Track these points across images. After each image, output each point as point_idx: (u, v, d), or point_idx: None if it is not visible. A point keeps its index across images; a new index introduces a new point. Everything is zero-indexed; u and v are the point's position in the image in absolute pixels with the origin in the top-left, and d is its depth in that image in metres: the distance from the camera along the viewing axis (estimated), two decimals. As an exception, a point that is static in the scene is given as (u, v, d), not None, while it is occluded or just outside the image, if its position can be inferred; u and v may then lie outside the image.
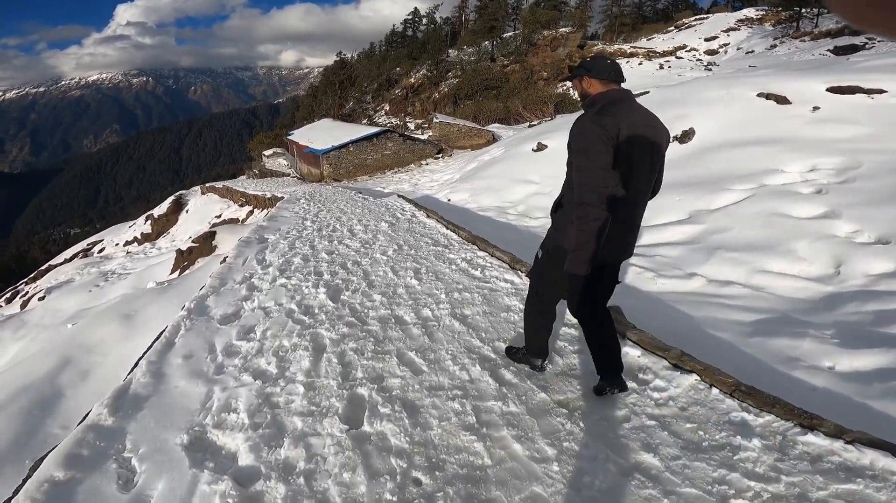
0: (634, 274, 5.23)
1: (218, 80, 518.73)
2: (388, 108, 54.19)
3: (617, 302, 3.00)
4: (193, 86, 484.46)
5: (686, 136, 10.14)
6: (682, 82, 14.55)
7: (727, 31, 52.30)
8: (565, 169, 2.17)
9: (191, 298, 4.38)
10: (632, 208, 2.14)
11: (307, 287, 4.44)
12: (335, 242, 6.22)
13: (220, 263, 5.87)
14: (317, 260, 5.40)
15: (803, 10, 44.26)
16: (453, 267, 4.87)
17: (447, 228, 6.68)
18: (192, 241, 13.25)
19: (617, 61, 2.20)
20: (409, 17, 63.87)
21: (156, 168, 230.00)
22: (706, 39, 51.95)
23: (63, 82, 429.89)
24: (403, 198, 10.27)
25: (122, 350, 6.08)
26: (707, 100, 11.49)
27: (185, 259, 12.75)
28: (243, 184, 22.65)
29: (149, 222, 26.33)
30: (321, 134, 21.88)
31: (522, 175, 10.97)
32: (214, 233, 12.98)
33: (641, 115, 2.10)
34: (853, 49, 38.32)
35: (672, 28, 57.90)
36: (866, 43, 38.39)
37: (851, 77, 10.74)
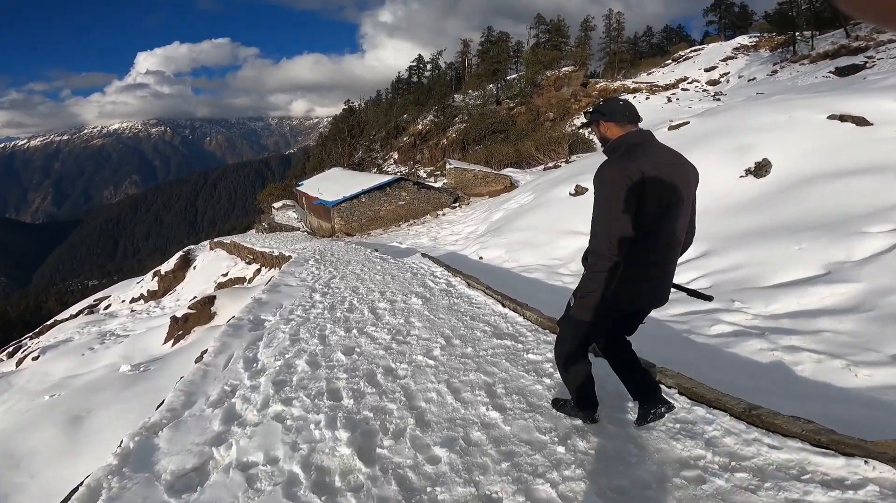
0: (812, 364, 3.51)
1: (232, 130, 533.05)
2: (396, 157, 54.00)
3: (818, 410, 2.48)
4: (209, 136, 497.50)
5: (761, 168, 8.51)
6: (727, 108, 13.10)
7: (725, 60, 52.00)
8: None
9: (135, 428, 2.70)
10: (662, 253, 2.04)
11: (317, 425, 2.68)
12: (354, 332, 4.47)
13: (196, 362, 4.24)
14: (330, 364, 3.64)
15: (797, 34, 43.90)
16: (546, 381, 3.07)
17: (504, 305, 4.97)
18: (189, 307, 11.83)
19: (630, 101, 2.12)
20: (414, 63, 64.90)
21: (172, 220, 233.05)
22: (706, 70, 51.59)
23: (86, 130, 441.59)
24: (429, 257, 8.66)
25: (57, 470, 4.47)
26: (768, 126, 9.96)
27: (179, 327, 11.33)
28: (252, 239, 21.35)
29: (156, 279, 25.03)
30: (331, 184, 20.63)
31: (564, 224, 9.36)
32: (214, 297, 11.55)
33: (664, 155, 2.03)
34: (854, 69, 37.38)
35: (670, 61, 57.95)
36: (866, 62, 37.50)
37: None
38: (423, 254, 8.97)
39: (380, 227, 18.60)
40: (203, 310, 11.49)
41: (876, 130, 8.78)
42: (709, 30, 63.90)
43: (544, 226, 9.60)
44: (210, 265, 22.02)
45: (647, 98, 41.71)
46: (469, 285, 5.92)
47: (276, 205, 28.59)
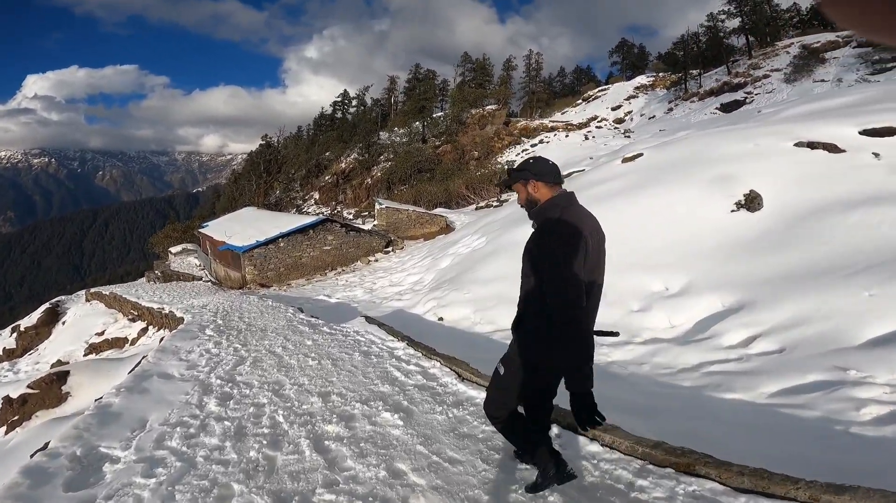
0: None
1: (130, 164, 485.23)
2: (317, 197, 51.07)
3: None
4: (102, 170, 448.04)
5: (752, 201, 7.57)
6: (673, 140, 12.67)
7: (628, 98, 56.38)
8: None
9: None
10: (591, 312, 2.02)
11: None
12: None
13: None
14: None
15: (687, 72, 48.90)
16: None
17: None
18: (30, 385, 8.81)
19: (555, 163, 2.11)
20: (339, 98, 63.15)
21: (53, 264, 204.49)
22: (612, 109, 55.48)
23: None
24: (375, 322, 6.56)
25: None
26: (738, 155, 9.30)
27: (14, 411, 8.63)
28: (140, 290, 17.56)
29: (14, 335, 20.14)
30: (243, 226, 17.57)
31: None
32: (67, 374, 8.65)
33: (591, 217, 2.04)
34: (737, 104, 41.64)
35: (580, 101, 61.84)
36: (746, 98, 42.20)
37: (867, 119, 9.39)
38: (367, 318, 6.81)
39: (302, 276, 15.84)
40: (50, 389, 8.72)
41: (853, 157, 8.34)
42: (612, 70, 69.51)
43: (516, 275, 7.92)
44: (83, 321, 17.74)
45: (567, 136, 43.38)
46: (462, 378, 3.91)
47: (175, 249, 24.41)
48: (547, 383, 2.15)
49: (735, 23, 47.65)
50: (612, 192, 9.98)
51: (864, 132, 9.18)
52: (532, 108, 61.44)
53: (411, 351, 4.90)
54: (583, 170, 15.24)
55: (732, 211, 7.60)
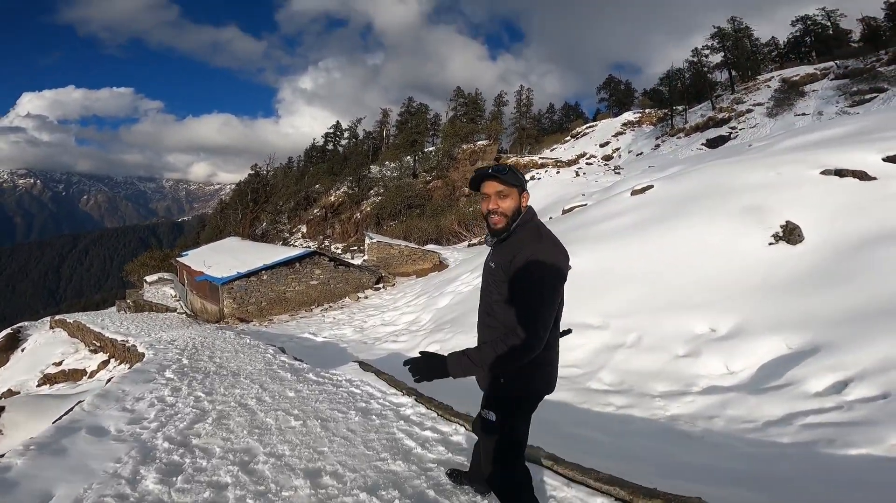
0: None
1: (116, 189, 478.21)
2: (305, 230, 50.13)
3: None
4: (87, 194, 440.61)
5: (791, 233, 6.83)
6: (690, 170, 12.14)
7: (616, 135, 57.23)
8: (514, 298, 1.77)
9: None
10: (556, 341, 1.98)
11: None
12: None
13: None
14: None
15: (673, 108, 49.99)
16: None
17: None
18: None
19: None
20: (331, 130, 63.22)
21: (28, 288, 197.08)
22: (601, 145, 56.25)
23: None
24: (372, 369, 5.54)
25: None
26: (763, 184, 8.69)
27: None
28: (108, 319, 16.13)
29: None
30: (224, 256, 16.36)
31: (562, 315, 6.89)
32: (1, 410, 7.40)
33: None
34: (722, 140, 42.08)
35: (569, 138, 62.75)
36: (731, 133, 42.86)
37: (888, 146, 8.94)
38: (362, 364, 5.75)
39: (285, 311, 14.58)
40: (-24, 429, 7.23)
41: (885, 185, 7.78)
42: (600, 107, 71.19)
43: None
44: (42, 349, 16.26)
45: (558, 172, 43.48)
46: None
47: (150, 278, 22.94)
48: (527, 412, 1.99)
49: (718, 58, 49.24)
50: (626, 226, 9.25)
51: (888, 159, 8.69)
52: (522, 145, 62.15)
53: (422, 409, 3.86)
54: (584, 204, 14.66)
55: (770, 244, 6.86)
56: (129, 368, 6.16)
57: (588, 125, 64.82)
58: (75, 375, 12.58)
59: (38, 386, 12.77)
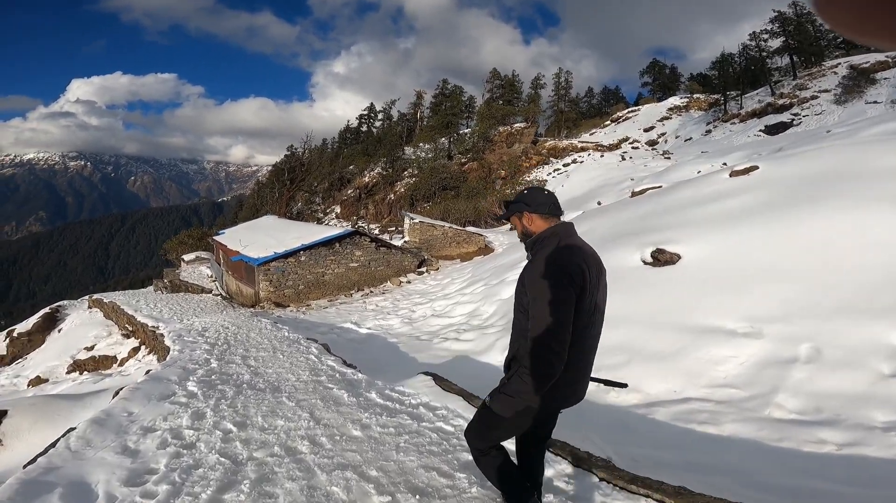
0: None
1: (161, 171, 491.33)
2: (339, 211, 49.43)
3: None
4: (134, 175, 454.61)
5: None
6: (789, 154, 10.18)
7: (661, 120, 53.76)
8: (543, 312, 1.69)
9: None
10: (588, 354, 1.86)
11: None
12: None
13: None
14: None
15: (727, 93, 46.34)
16: None
17: None
18: None
19: (553, 193, 1.95)
20: (365, 112, 61.96)
21: (78, 265, 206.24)
22: (645, 130, 52.96)
23: None
24: (456, 390, 4.15)
25: None
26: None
27: None
28: (144, 299, 15.47)
29: (7, 340, 18.24)
30: (261, 235, 15.33)
31: (679, 316, 5.28)
32: (3, 414, 6.18)
33: (591, 254, 1.86)
34: (783, 127, 38.82)
35: (608, 122, 59.47)
36: (793, 119, 39.37)
37: None
38: (436, 378, 4.37)
39: (324, 296, 13.38)
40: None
41: None
42: (642, 91, 67.12)
43: (634, 317, 5.46)
44: (77, 330, 15.74)
45: (602, 156, 40.98)
46: None
47: (187, 257, 22.35)
48: (543, 423, 1.97)
49: (776, 43, 45.24)
50: (735, 211, 7.50)
51: None
52: (560, 128, 59.27)
53: (565, 466, 2.45)
54: (659, 186, 12.79)
55: (967, 239, 5.09)
56: (146, 375, 4.98)
57: (630, 109, 61.24)
58: (105, 363, 11.84)
59: (68, 373, 12.11)
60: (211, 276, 19.17)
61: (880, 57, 38.50)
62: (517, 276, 7.27)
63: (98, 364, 11.95)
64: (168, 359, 6.10)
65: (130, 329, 12.71)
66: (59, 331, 17.56)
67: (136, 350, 11.57)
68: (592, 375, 1.98)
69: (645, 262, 6.85)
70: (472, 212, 31.50)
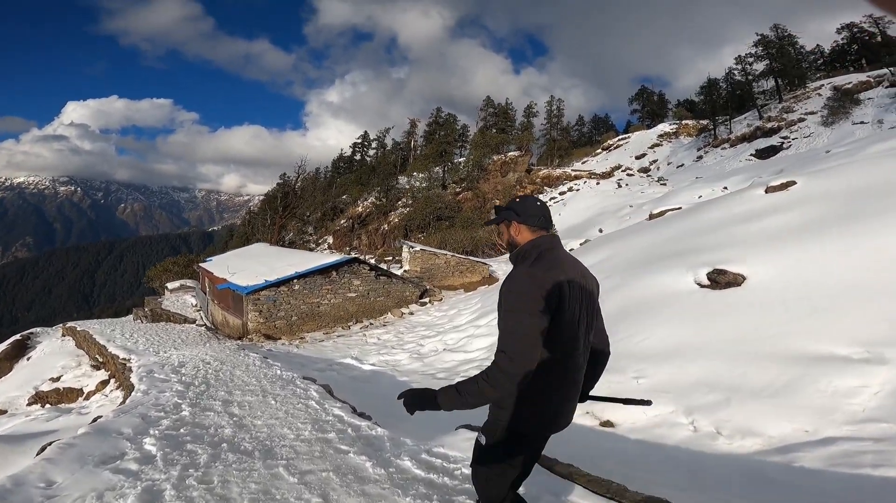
0: None
1: (152, 199, 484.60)
2: (331, 241, 48.52)
3: None
4: (124, 203, 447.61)
5: None
6: (825, 168, 9.52)
7: (652, 147, 54.15)
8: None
9: None
10: (576, 370, 1.71)
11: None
12: None
13: None
14: None
15: (717, 119, 46.88)
16: None
17: None
18: None
19: (546, 204, 1.83)
20: (359, 140, 61.84)
21: (63, 291, 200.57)
22: (637, 157, 53.31)
23: None
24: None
25: None
26: None
27: None
28: (121, 329, 14.16)
29: None
30: (251, 263, 14.14)
31: (759, 344, 4.36)
32: None
33: (574, 266, 1.74)
34: (773, 151, 38.92)
35: (600, 150, 59.89)
36: (783, 142, 39.64)
37: None
38: (474, 431, 3.29)
39: (319, 328, 12.11)
40: None
41: None
42: (631, 119, 68.08)
43: (709, 347, 4.50)
44: (47, 359, 14.34)
45: (598, 183, 40.78)
46: None
47: (172, 285, 21.02)
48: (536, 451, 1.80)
49: (760, 66, 46.10)
50: (799, 226, 6.68)
51: None
52: (552, 156, 59.54)
53: None
54: (678, 208, 12.04)
55: None
56: (89, 425, 3.84)
57: (620, 137, 61.99)
58: (70, 395, 10.51)
59: (29, 404, 10.73)
60: (195, 306, 17.84)
61: (862, 77, 39.23)
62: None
63: (62, 396, 10.60)
64: (128, 401, 4.93)
65: (101, 360, 11.41)
66: (28, 359, 16.08)
67: (104, 383, 10.27)
68: (610, 395, 1.95)
69: (702, 285, 5.92)
70: (469, 241, 30.72)
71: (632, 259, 7.92)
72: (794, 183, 8.56)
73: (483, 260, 18.72)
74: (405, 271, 16.28)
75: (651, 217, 11.93)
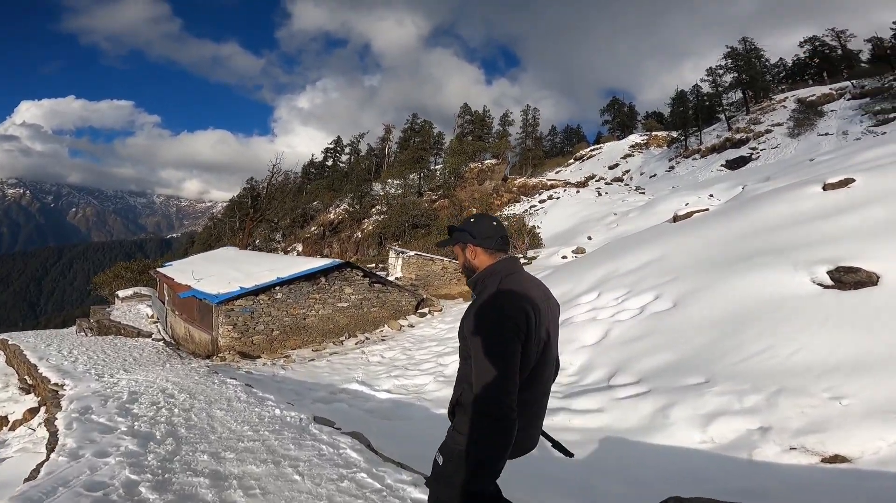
0: None
1: (106, 203, 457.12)
2: (300, 249, 46.11)
3: None
4: (75, 207, 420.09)
5: None
6: (886, 164, 8.61)
7: (624, 157, 54.76)
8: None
9: None
10: (542, 395, 1.67)
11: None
12: None
13: None
14: None
15: (688, 130, 47.70)
16: None
17: None
18: None
19: (502, 223, 1.72)
20: (331, 145, 59.36)
21: (8, 299, 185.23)
22: (610, 167, 53.66)
23: None
24: None
25: None
26: None
27: None
28: (60, 343, 11.66)
29: None
30: (221, 267, 11.96)
31: None
32: None
33: (538, 287, 1.66)
34: (743, 161, 39.77)
35: (572, 160, 60.11)
36: (752, 153, 40.42)
37: None
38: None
39: (306, 344, 9.95)
40: None
41: None
42: (601, 130, 68.87)
43: (872, 360, 3.18)
44: None
45: (578, 192, 40.26)
46: None
47: (123, 293, 18.23)
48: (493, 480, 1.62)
49: (728, 78, 47.18)
50: (875, 225, 5.54)
51: None
52: (526, 166, 59.16)
53: None
54: (705, 209, 10.93)
55: None
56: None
57: (593, 147, 62.46)
58: (-15, 431, 8.13)
59: None
60: (151, 317, 15.35)
61: (824, 89, 40.63)
62: (588, 317, 5.80)
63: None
64: (41, 473, 3.02)
65: (30, 383, 9.05)
66: (-54, 381, 13.16)
67: (32, 412, 7.92)
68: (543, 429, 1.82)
69: (824, 286, 4.64)
70: (449, 250, 29.23)
71: (703, 258, 6.63)
72: (852, 180, 7.58)
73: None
74: (397, 279, 14.51)
75: (676, 219, 10.78)
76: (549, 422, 4.43)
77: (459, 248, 1.73)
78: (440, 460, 1.62)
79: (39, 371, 8.30)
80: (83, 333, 13.72)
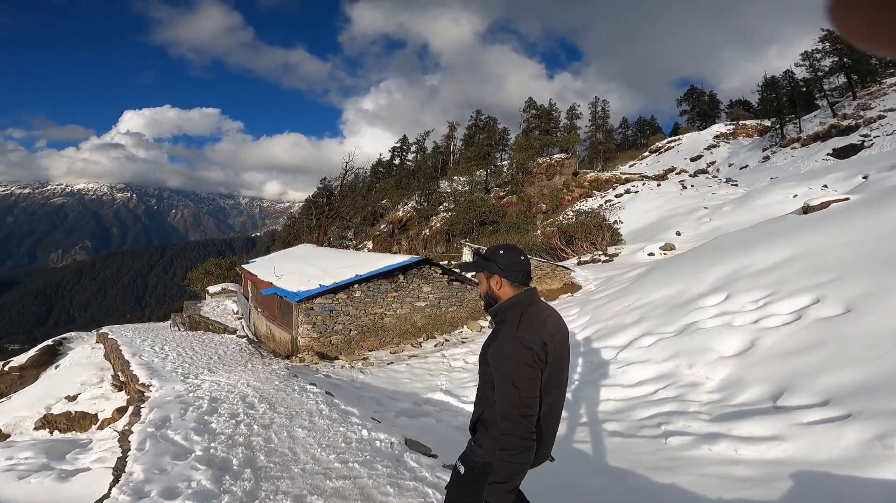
0: None
1: (200, 205, 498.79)
2: (371, 247, 46.87)
3: None
4: (175, 209, 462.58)
5: None
6: None
7: (709, 148, 49.95)
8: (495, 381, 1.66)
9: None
10: (556, 419, 1.78)
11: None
12: None
13: None
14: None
15: (784, 118, 42.46)
16: None
17: None
18: None
19: (526, 256, 1.79)
20: (398, 144, 60.05)
21: (118, 293, 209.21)
22: (692, 159, 49.11)
23: (49, 186, 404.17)
24: None
25: None
26: None
27: None
28: (155, 337, 12.19)
29: None
30: (300, 264, 11.81)
31: None
32: None
33: (553, 320, 1.75)
34: (854, 149, 34.41)
35: (647, 153, 55.86)
36: (864, 141, 35.01)
37: None
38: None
39: (382, 345, 9.51)
40: None
41: None
42: (678, 121, 63.51)
43: None
44: (70, 371, 12.33)
45: (659, 185, 37.08)
46: None
47: (213, 288, 19.20)
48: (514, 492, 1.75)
49: (827, 63, 41.48)
50: None
51: None
52: (598, 160, 55.89)
53: None
54: (846, 198, 8.93)
55: None
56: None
57: (670, 139, 57.74)
58: (82, 422, 8.40)
59: (36, 429, 8.69)
60: (237, 313, 15.80)
61: None
62: (699, 321, 4.68)
63: (72, 423, 8.49)
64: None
65: (122, 380, 9.28)
66: (57, 367, 14.32)
67: (121, 411, 8.07)
68: None
69: None
70: (524, 246, 27.67)
71: (868, 254, 5.10)
72: None
73: (562, 264, 15.87)
74: (473, 276, 13.67)
75: (807, 210, 8.92)
76: (711, 454, 3.30)
77: (485, 275, 1.78)
78: (461, 469, 1.72)
79: (131, 369, 8.39)
80: (176, 328, 14.32)
